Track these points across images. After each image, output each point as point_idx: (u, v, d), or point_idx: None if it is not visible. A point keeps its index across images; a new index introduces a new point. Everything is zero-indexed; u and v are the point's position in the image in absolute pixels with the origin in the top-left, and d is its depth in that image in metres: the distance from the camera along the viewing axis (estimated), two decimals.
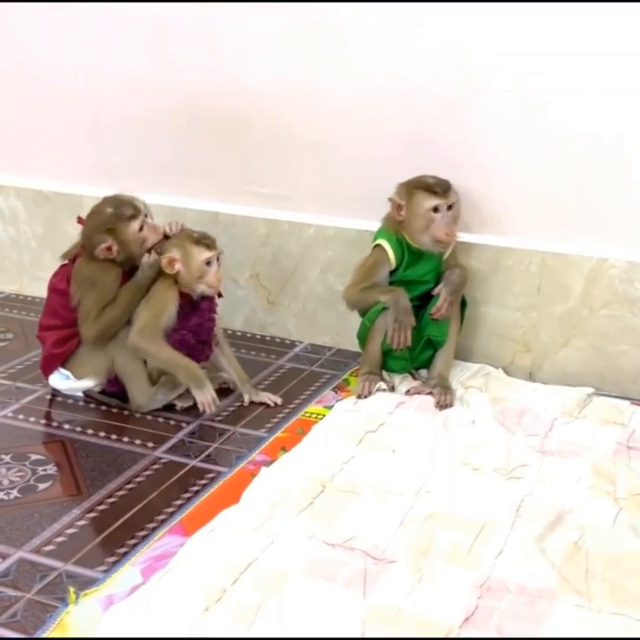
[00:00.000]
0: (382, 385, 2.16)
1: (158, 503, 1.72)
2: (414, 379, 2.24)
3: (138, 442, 1.96)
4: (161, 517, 1.67)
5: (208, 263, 2.09)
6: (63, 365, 2.14)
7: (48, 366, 2.16)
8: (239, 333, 2.55)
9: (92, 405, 2.14)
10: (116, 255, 2.10)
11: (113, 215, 2.11)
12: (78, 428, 2.01)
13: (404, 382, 2.21)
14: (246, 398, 2.14)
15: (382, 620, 1.36)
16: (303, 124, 2.39)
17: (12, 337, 2.53)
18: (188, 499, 1.73)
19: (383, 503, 1.68)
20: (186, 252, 2.08)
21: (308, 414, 2.09)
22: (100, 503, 1.72)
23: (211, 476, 1.82)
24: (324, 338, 2.51)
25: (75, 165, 2.71)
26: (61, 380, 2.15)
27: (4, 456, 1.88)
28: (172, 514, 1.68)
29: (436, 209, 2.12)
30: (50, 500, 1.72)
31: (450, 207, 2.13)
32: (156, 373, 2.12)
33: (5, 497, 1.73)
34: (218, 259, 2.12)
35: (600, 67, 2.06)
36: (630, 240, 2.15)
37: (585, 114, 2.11)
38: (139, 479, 1.81)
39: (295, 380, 2.28)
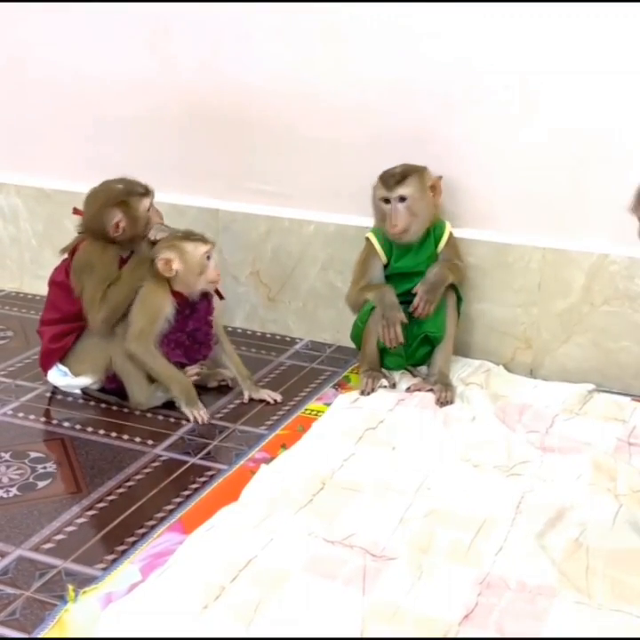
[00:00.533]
0: (384, 382, 2.15)
1: (157, 501, 1.71)
2: (414, 376, 2.23)
3: (137, 439, 1.95)
4: (160, 515, 1.66)
5: (208, 258, 2.08)
6: (61, 361, 2.14)
7: (46, 362, 2.16)
8: (239, 330, 2.55)
9: (92, 403, 2.13)
10: (122, 233, 2.08)
11: (125, 190, 2.10)
12: (78, 426, 2.01)
13: (404, 379, 2.20)
14: (246, 395, 2.14)
15: (382, 618, 1.36)
16: (304, 121, 2.38)
17: (11, 335, 2.53)
18: (188, 496, 1.73)
19: (383, 500, 1.68)
20: (181, 250, 2.06)
21: (308, 411, 2.09)
22: (100, 501, 1.71)
23: (210, 473, 1.82)
24: (324, 335, 2.51)
25: (75, 163, 2.71)
26: (59, 377, 2.15)
27: (3, 454, 1.88)
28: (171, 511, 1.67)
29: (386, 200, 2.11)
30: (49, 498, 1.72)
31: (403, 199, 2.09)
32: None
33: (5, 495, 1.72)
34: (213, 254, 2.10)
35: (600, 62, 2.06)
36: (631, 236, 2.13)
37: (585, 110, 2.10)
38: (138, 477, 1.80)
39: (295, 378, 2.28)
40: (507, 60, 2.14)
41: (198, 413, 2.02)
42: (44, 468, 1.83)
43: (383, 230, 2.16)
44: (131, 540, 1.59)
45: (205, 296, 2.13)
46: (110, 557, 1.54)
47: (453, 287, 2.17)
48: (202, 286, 2.10)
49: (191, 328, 2.10)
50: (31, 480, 1.78)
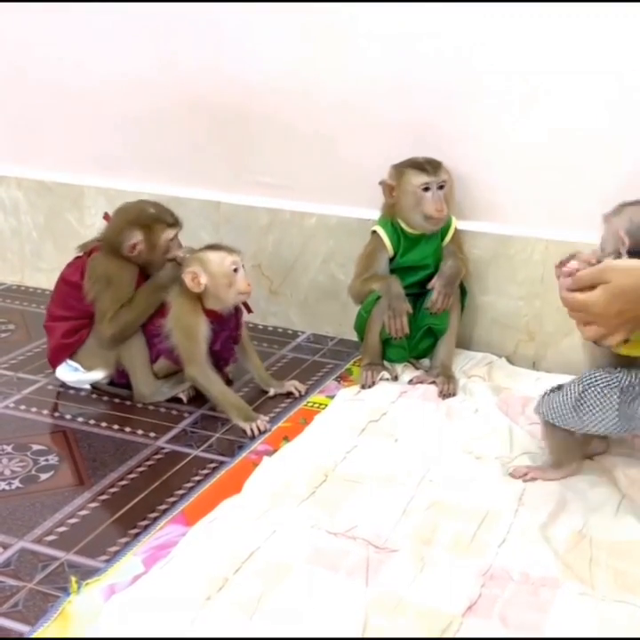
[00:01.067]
0: (385, 374, 2.15)
1: (160, 493, 1.71)
2: (416, 368, 2.23)
3: (140, 432, 1.95)
4: (163, 507, 1.66)
5: (234, 270, 2.01)
6: (71, 357, 2.13)
7: (56, 356, 2.15)
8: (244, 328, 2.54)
9: (94, 396, 2.13)
10: (137, 255, 2.08)
11: (154, 215, 2.10)
12: (80, 419, 2.01)
13: (406, 372, 2.20)
14: (272, 392, 2.13)
15: (385, 609, 1.36)
16: (305, 113, 2.37)
17: (13, 328, 2.52)
18: (190, 488, 1.73)
19: (386, 492, 1.67)
20: (205, 262, 2.00)
21: (310, 404, 2.08)
22: (102, 493, 1.71)
23: (213, 465, 1.82)
24: (326, 328, 2.50)
25: (76, 156, 2.70)
26: (69, 373, 2.14)
27: (5, 446, 1.87)
28: (173, 503, 1.67)
29: (426, 187, 2.10)
30: (51, 491, 1.72)
31: (441, 186, 2.11)
32: (162, 374, 2.11)
33: (7, 487, 1.72)
34: (243, 265, 2.05)
35: (601, 57, 2.05)
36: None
37: (587, 103, 2.10)
38: (140, 469, 1.80)
39: (297, 370, 2.28)
40: (508, 53, 2.13)
41: (255, 426, 1.94)
42: (47, 460, 1.83)
43: (397, 222, 2.16)
44: (133, 531, 1.59)
45: (235, 311, 2.08)
46: (113, 549, 1.53)
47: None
48: (233, 299, 2.03)
49: (218, 348, 2.06)
50: (33, 472, 1.78)
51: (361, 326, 2.20)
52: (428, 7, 2.16)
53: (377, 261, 2.18)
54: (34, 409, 2.05)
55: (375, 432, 1.91)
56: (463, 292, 2.21)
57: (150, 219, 2.09)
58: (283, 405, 2.08)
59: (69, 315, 2.13)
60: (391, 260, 2.19)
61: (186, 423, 2.00)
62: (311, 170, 2.42)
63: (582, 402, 1.64)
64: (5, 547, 1.54)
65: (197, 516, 1.61)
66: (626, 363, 1.64)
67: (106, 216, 2.17)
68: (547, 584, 1.41)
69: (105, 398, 2.12)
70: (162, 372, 2.12)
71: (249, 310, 2.16)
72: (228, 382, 2.15)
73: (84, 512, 1.65)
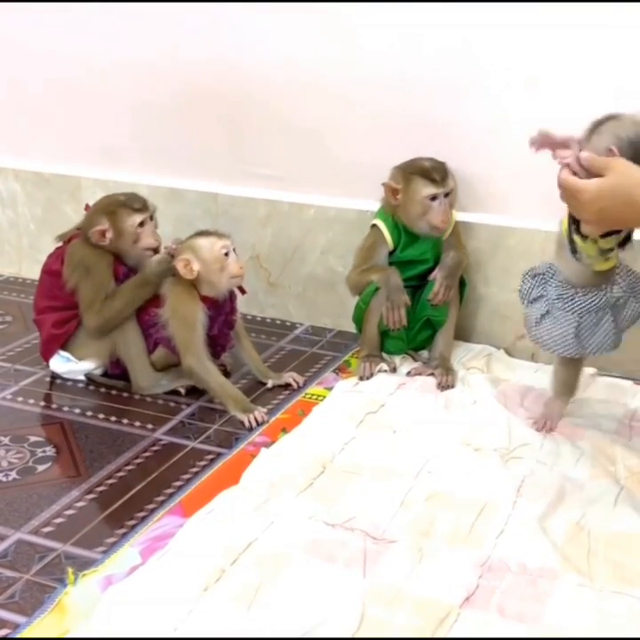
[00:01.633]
0: (383, 366, 2.14)
1: (157, 484, 1.71)
2: (414, 360, 2.23)
3: (137, 424, 1.95)
4: (160, 499, 1.66)
5: (225, 254, 2.02)
6: (63, 347, 2.13)
7: (48, 348, 2.15)
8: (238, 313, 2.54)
9: (91, 388, 2.13)
10: (107, 243, 2.08)
11: (120, 202, 2.10)
12: (77, 410, 2.00)
13: (404, 363, 2.20)
14: (270, 383, 2.12)
15: (382, 600, 1.36)
16: (304, 105, 2.36)
17: (11, 320, 2.52)
18: (188, 480, 1.72)
19: (384, 483, 1.67)
20: (196, 248, 2.01)
21: (308, 396, 2.08)
22: (99, 484, 1.71)
23: (210, 457, 1.81)
24: (324, 319, 2.50)
25: (74, 147, 2.70)
26: (62, 363, 2.14)
27: (2, 438, 1.87)
28: (171, 495, 1.67)
29: (433, 197, 2.09)
30: (49, 482, 1.71)
31: (447, 194, 2.11)
32: (160, 364, 2.11)
33: (4, 479, 1.72)
34: (234, 248, 2.05)
35: (600, 46, 2.04)
36: None
37: (586, 93, 2.09)
38: (138, 461, 1.80)
39: (296, 362, 2.27)
40: (508, 45, 2.12)
41: (253, 417, 1.94)
42: (44, 451, 1.82)
43: (398, 218, 2.15)
44: (131, 523, 1.58)
45: (229, 295, 2.09)
46: (110, 540, 1.53)
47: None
48: (226, 283, 2.04)
49: (215, 333, 2.06)
50: (31, 464, 1.78)
51: (359, 318, 2.20)
52: (428, 1, 2.14)
53: (376, 254, 2.17)
54: (31, 400, 2.05)
55: (373, 424, 1.90)
56: (463, 283, 2.21)
57: (116, 205, 2.10)
58: (281, 397, 2.08)
59: (56, 305, 2.13)
60: (390, 254, 2.18)
61: (183, 415, 1.99)
62: (310, 161, 2.41)
63: (543, 321, 1.79)
64: (2, 538, 1.54)
65: (195, 507, 1.60)
66: (595, 283, 1.72)
67: (87, 207, 2.18)
68: (545, 575, 1.41)
69: (102, 390, 2.12)
70: (159, 362, 2.11)
71: (243, 291, 2.15)
72: (226, 374, 2.15)
73: (80, 503, 1.65)
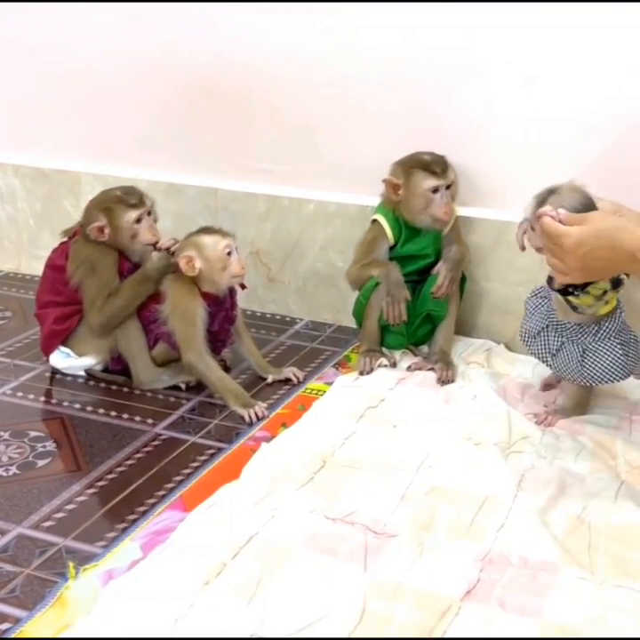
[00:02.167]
0: (383, 361, 2.14)
1: (158, 479, 1.71)
2: (415, 355, 2.22)
3: (138, 418, 1.95)
4: (160, 493, 1.66)
5: (228, 253, 2.02)
6: (64, 343, 2.13)
7: (49, 343, 2.14)
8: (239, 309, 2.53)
9: (92, 383, 2.12)
10: (106, 239, 2.07)
11: (116, 197, 2.09)
12: (77, 405, 2.00)
13: (405, 358, 2.20)
14: (270, 379, 2.12)
15: (383, 594, 1.36)
16: (303, 99, 2.36)
17: (10, 315, 2.52)
18: (188, 475, 1.72)
19: (384, 478, 1.67)
20: (200, 246, 2.01)
21: (308, 390, 2.08)
22: (100, 479, 1.71)
23: (211, 451, 1.81)
24: (324, 315, 2.50)
25: (73, 142, 2.69)
26: (62, 359, 2.14)
27: (2, 433, 1.87)
28: (171, 490, 1.67)
29: (435, 190, 2.09)
30: (49, 477, 1.71)
31: (448, 187, 2.11)
32: (161, 359, 2.11)
33: (4, 473, 1.72)
34: (236, 248, 2.05)
35: (599, 44, 2.04)
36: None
37: (588, 88, 2.09)
38: (138, 455, 1.80)
39: (296, 357, 2.27)
40: (507, 40, 2.11)
41: (253, 412, 1.94)
42: (44, 446, 1.82)
43: (399, 213, 2.15)
44: (131, 517, 1.58)
45: (229, 292, 2.09)
46: (111, 535, 1.53)
47: None
48: (227, 282, 2.04)
49: (215, 328, 2.06)
50: (31, 459, 1.77)
51: (359, 313, 2.20)
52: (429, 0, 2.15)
53: (377, 249, 2.17)
54: (31, 396, 2.05)
55: (373, 418, 1.90)
56: (463, 278, 2.21)
57: (112, 201, 2.09)
58: (281, 392, 2.08)
59: (59, 300, 2.13)
60: (391, 249, 2.18)
61: (184, 410, 1.99)
62: (310, 156, 2.41)
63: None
64: (3, 533, 1.54)
65: (195, 501, 1.60)
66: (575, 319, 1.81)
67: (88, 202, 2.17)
68: (545, 569, 1.41)
69: (102, 385, 2.11)
70: (160, 357, 2.11)
71: (243, 287, 2.15)
72: (226, 369, 2.15)
73: (81, 498, 1.65)
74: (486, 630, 1.29)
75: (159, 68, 2.49)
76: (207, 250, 2.01)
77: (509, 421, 1.86)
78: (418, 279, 2.19)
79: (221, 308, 2.07)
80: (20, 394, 2.05)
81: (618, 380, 1.83)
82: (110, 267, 2.08)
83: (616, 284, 1.72)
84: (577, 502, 1.59)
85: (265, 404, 1.97)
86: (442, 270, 2.13)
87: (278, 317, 2.52)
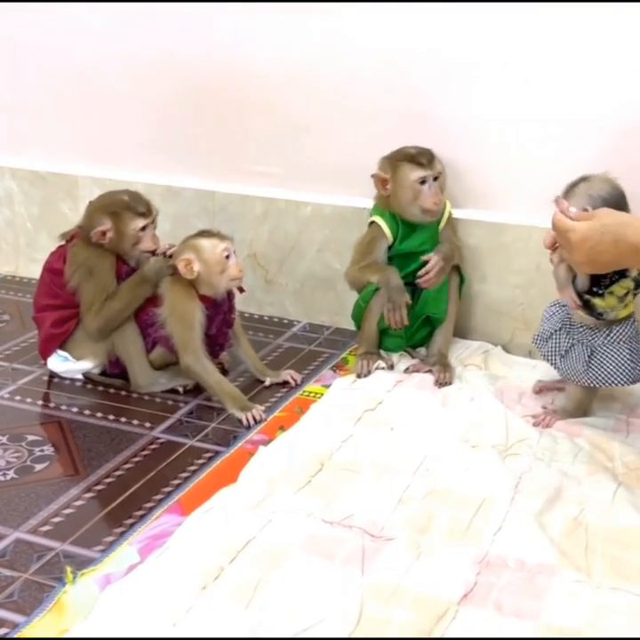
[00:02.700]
0: (381, 363, 2.14)
1: (155, 483, 1.71)
2: (412, 357, 2.23)
3: (135, 422, 1.95)
4: (158, 497, 1.66)
5: (226, 256, 2.02)
6: (61, 347, 2.13)
7: (46, 347, 2.14)
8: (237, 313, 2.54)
9: (89, 386, 2.13)
10: (107, 243, 2.08)
11: (124, 203, 2.09)
12: (75, 409, 2.00)
13: (402, 361, 2.20)
14: (267, 381, 2.13)
15: (380, 597, 1.36)
16: (300, 102, 2.36)
17: (8, 319, 2.52)
18: (186, 478, 1.72)
19: (381, 481, 1.67)
20: (198, 249, 2.01)
21: (306, 393, 2.08)
22: (98, 483, 1.71)
23: (208, 455, 1.81)
24: (322, 317, 2.50)
25: (70, 145, 2.69)
26: (60, 363, 2.14)
27: (0, 437, 1.87)
28: (169, 493, 1.67)
29: (422, 181, 2.10)
30: (47, 481, 1.71)
31: (436, 178, 2.12)
32: (158, 363, 2.11)
33: (2, 478, 1.72)
34: (234, 251, 2.06)
35: (594, 43, 2.04)
36: None
37: (584, 90, 2.09)
38: (136, 459, 1.80)
39: (293, 360, 2.27)
40: (501, 41, 2.12)
41: (251, 415, 1.94)
42: (42, 450, 1.82)
43: (394, 211, 2.15)
44: (129, 521, 1.58)
45: (227, 295, 2.09)
46: (108, 539, 1.53)
47: (456, 268, 2.18)
48: (225, 285, 2.04)
49: (213, 332, 2.06)
50: (28, 463, 1.78)
51: (358, 316, 2.20)
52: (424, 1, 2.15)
53: (376, 249, 2.17)
54: (29, 399, 2.05)
55: (371, 421, 1.90)
56: (461, 280, 2.21)
57: (120, 206, 2.08)
58: (278, 395, 2.08)
59: (56, 303, 2.13)
60: (389, 247, 2.19)
61: (181, 413, 2.00)
62: (306, 159, 2.41)
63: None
64: (1, 537, 1.54)
65: (193, 505, 1.60)
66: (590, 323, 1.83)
67: (89, 204, 2.17)
68: (543, 571, 1.41)
69: (100, 388, 2.11)
70: (158, 361, 2.11)
71: (241, 290, 2.15)
72: (224, 372, 2.15)
73: (79, 502, 1.65)
74: (483, 634, 1.29)
75: (156, 72, 2.49)
76: (205, 253, 2.01)
77: (507, 424, 1.86)
78: (416, 280, 2.19)
79: (219, 311, 2.07)
80: (17, 397, 2.05)
81: (622, 385, 1.83)
82: (108, 270, 2.08)
83: (639, 284, 1.73)
84: (574, 504, 1.59)
85: (262, 407, 1.98)
86: (433, 258, 2.13)
87: (276, 320, 2.52)
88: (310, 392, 2.08)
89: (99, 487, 1.70)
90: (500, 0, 2.07)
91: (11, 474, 1.73)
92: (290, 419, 1.94)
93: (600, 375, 1.81)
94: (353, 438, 1.83)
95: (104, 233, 2.06)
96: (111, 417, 1.97)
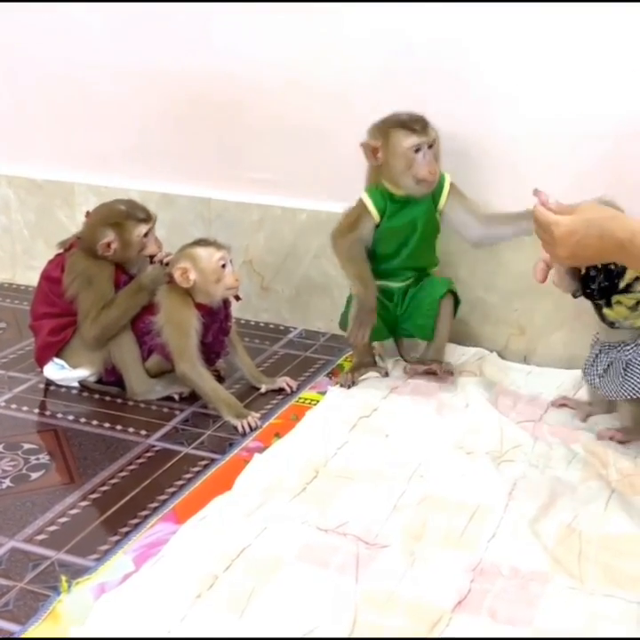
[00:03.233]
0: (374, 374, 2.14)
1: (150, 491, 1.71)
2: (406, 361, 2.22)
3: (131, 430, 1.95)
4: (153, 505, 1.66)
5: (223, 265, 2.03)
6: (58, 355, 2.13)
7: (43, 355, 2.15)
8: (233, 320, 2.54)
9: (85, 394, 2.13)
10: (112, 254, 2.08)
11: (125, 212, 2.10)
12: (71, 417, 2.01)
13: (397, 367, 2.20)
14: (263, 388, 2.13)
15: (375, 605, 1.36)
16: (295, 109, 2.37)
17: (4, 326, 2.52)
18: (181, 486, 1.73)
19: (376, 488, 1.67)
20: (195, 257, 2.02)
21: (301, 400, 2.08)
22: (93, 492, 1.71)
23: (204, 463, 1.81)
24: (318, 323, 2.50)
25: (66, 153, 2.70)
26: (56, 371, 2.14)
27: None
28: (164, 501, 1.67)
29: (416, 148, 2.00)
30: (42, 489, 1.72)
31: (430, 146, 2.03)
32: (154, 371, 2.11)
33: None
34: (231, 260, 2.06)
35: (593, 45, 2.05)
36: None
37: (582, 92, 2.09)
38: (131, 467, 1.80)
39: (289, 366, 2.28)
40: (501, 39, 2.12)
41: (246, 422, 1.94)
42: (37, 459, 1.83)
43: (383, 186, 2.06)
44: (124, 530, 1.58)
45: (223, 303, 2.10)
46: (103, 548, 1.53)
47: (453, 293, 2.13)
48: (221, 294, 2.05)
49: (209, 340, 2.07)
50: (24, 471, 1.78)
51: (346, 324, 2.16)
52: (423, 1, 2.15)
53: (361, 227, 2.08)
54: (25, 408, 2.05)
55: (366, 428, 1.91)
56: (456, 302, 2.15)
57: (121, 216, 2.09)
58: (274, 402, 2.09)
59: (53, 311, 2.13)
60: (377, 226, 2.10)
61: (177, 421, 2.00)
62: (302, 166, 2.41)
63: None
64: None
65: (188, 513, 1.61)
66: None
67: (87, 214, 2.18)
68: (536, 578, 1.42)
69: (96, 396, 2.12)
70: (154, 369, 2.12)
71: (237, 298, 2.15)
72: (220, 379, 2.15)
73: (74, 511, 1.65)
74: None
75: (152, 79, 2.50)
76: (202, 262, 2.02)
77: (501, 430, 1.87)
78: (412, 279, 2.15)
79: (215, 319, 2.08)
80: (13, 406, 2.06)
81: None
82: (107, 280, 2.09)
83: None
84: (568, 511, 1.60)
85: (258, 414, 1.98)
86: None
87: (272, 326, 2.53)
88: (306, 399, 2.09)
89: (94, 496, 1.70)
90: (500, 0, 2.08)
91: (6, 482, 1.74)
92: (285, 426, 1.94)
93: (635, 385, 1.79)
94: (348, 445, 1.84)
95: (108, 245, 2.07)
96: (107, 425, 1.97)
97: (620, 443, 1.84)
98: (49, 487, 1.73)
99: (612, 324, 1.81)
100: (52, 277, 2.14)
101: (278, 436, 1.90)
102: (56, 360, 2.13)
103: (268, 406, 2.06)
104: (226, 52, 2.40)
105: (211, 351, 2.09)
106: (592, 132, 2.10)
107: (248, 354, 2.19)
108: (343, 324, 2.20)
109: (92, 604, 1.38)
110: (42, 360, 2.16)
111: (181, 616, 1.34)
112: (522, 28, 2.10)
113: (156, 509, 1.65)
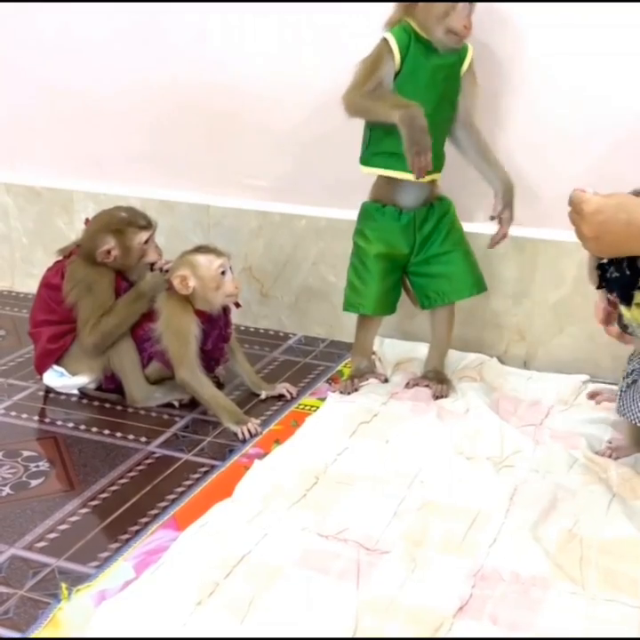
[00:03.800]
0: (373, 381, 2.14)
1: (151, 498, 1.71)
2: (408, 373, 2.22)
3: (131, 437, 1.95)
4: (154, 512, 1.66)
5: (222, 272, 2.03)
6: (57, 362, 2.13)
7: (43, 362, 2.15)
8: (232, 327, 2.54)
9: (85, 401, 2.13)
10: (112, 261, 2.09)
11: (125, 219, 2.10)
12: (71, 424, 2.00)
13: (396, 373, 2.20)
14: (263, 394, 2.13)
15: (376, 611, 1.36)
16: (294, 115, 2.38)
17: (4, 334, 2.52)
18: (181, 493, 1.72)
19: (376, 494, 1.67)
20: (194, 265, 2.02)
21: (301, 406, 2.08)
22: (93, 499, 1.71)
23: (204, 469, 1.81)
24: (317, 329, 2.50)
25: (65, 160, 2.70)
26: (56, 378, 2.14)
27: None
28: (164, 508, 1.67)
29: None
30: (42, 497, 1.71)
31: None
32: (154, 378, 2.11)
33: None
34: (231, 267, 2.06)
35: (601, 39, 2.05)
36: None
37: (581, 96, 2.10)
38: (131, 474, 1.80)
39: (289, 373, 2.27)
40: (504, 39, 2.12)
41: (246, 429, 1.94)
42: (37, 466, 1.82)
43: (408, 24, 1.92)
44: (124, 537, 1.58)
45: (223, 309, 2.10)
46: (104, 555, 1.53)
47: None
48: (220, 301, 2.05)
49: (209, 347, 2.07)
50: (24, 479, 1.78)
51: (349, 304, 2.09)
52: None
53: (381, 69, 1.92)
54: (24, 415, 2.05)
55: (366, 434, 1.91)
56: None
57: (121, 223, 2.09)
58: (274, 408, 2.08)
59: (53, 318, 2.13)
60: (396, 75, 1.93)
61: (177, 427, 2.00)
62: (300, 172, 2.42)
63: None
64: None
65: (188, 520, 1.60)
66: None
67: (87, 221, 2.18)
68: (537, 584, 1.41)
69: (95, 403, 2.12)
70: (153, 376, 2.12)
71: (237, 305, 2.15)
72: (219, 385, 2.15)
73: (74, 518, 1.65)
74: None
75: (150, 87, 2.51)
76: (201, 269, 2.02)
77: (502, 435, 1.87)
78: (416, 206, 2.05)
79: (215, 326, 2.07)
80: (13, 413, 2.05)
81: None
82: (107, 287, 2.09)
83: None
84: (569, 516, 1.59)
85: (258, 421, 1.98)
86: (503, 220, 2.01)
87: (271, 333, 2.53)
88: (306, 405, 2.09)
89: (94, 503, 1.70)
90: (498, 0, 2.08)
91: (6, 490, 1.73)
92: (285, 432, 1.94)
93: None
94: (348, 451, 1.83)
95: (109, 252, 2.07)
96: (107, 432, 1.97)
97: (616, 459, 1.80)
98: (49, 494, 1.72)
99: (625, 328, 1.72)
100: (51, 284, 2.14)
101: (278, 442, 1.90)
102: (55, 367, 2.13)
103: (268, 413, 2.06)
104: (224, 60, 2.41)
105: (210, 358, 2.09)
106: (587, 138, 2.11)
107: (248, 360, 2.19)
108: (347, 304, 2.12)
109: (92, 611, 1.37)
110: (41, 367, 2.15)
111: (182, 623, 1.33)
112: (524, 26, 2.11)
113: (156, 516, 1.64)
